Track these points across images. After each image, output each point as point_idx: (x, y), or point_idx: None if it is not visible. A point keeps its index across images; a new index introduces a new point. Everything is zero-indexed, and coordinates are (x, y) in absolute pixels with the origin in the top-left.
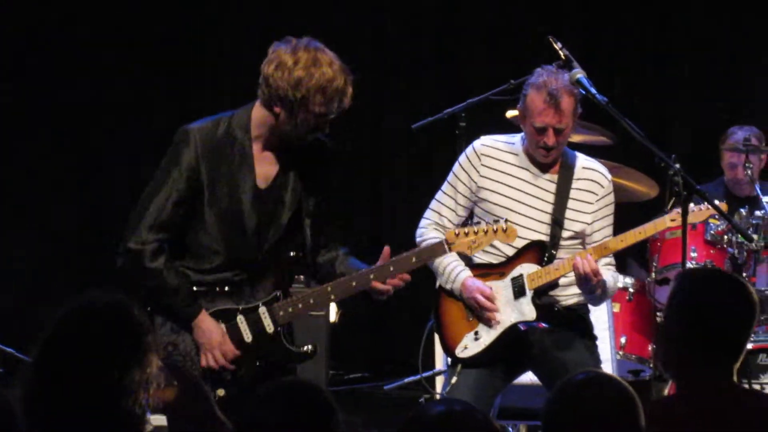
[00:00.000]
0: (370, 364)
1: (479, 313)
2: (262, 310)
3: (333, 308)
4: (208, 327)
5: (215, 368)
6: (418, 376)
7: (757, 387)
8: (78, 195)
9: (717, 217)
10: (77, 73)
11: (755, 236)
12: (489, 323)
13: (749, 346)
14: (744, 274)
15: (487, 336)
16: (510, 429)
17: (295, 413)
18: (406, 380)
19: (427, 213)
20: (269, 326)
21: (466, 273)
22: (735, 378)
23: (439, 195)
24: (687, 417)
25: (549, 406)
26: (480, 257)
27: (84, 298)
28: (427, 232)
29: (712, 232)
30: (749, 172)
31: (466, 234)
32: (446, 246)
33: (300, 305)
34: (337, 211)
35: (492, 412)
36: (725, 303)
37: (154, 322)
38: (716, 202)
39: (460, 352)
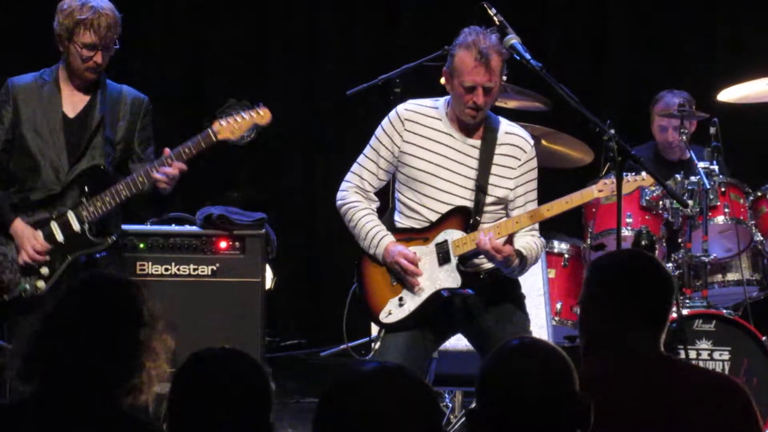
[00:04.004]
0: (306, 331)
1: (403, 279)
2: (70, 213)
3: (269, 275)
4: (21, 228)
5: (30, 261)
6: (355, 343)
7: (693, 353)
8: None
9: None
10: None
11: (690, 202)
12: (413, 289)
13: (685, 312)
14: (679, 240)
15: (412, 302)
16: (446, 395)
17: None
18: (343, 346)
19: (349, 176)
20: (75, 225)
21: (389, 238)
22: (664, 346)
23: (361, 158)
24: (619, 394)
25: (483, 373)
26: (402, 222)
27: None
28: (349, 195)
29: (647, 197)
30: (684, 137)
31: (228, 122)
32: (212, 135)
33: (99, 203)
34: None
35: (428, 378)
36: (642, 276)
37: None
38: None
39: (385, 318)
